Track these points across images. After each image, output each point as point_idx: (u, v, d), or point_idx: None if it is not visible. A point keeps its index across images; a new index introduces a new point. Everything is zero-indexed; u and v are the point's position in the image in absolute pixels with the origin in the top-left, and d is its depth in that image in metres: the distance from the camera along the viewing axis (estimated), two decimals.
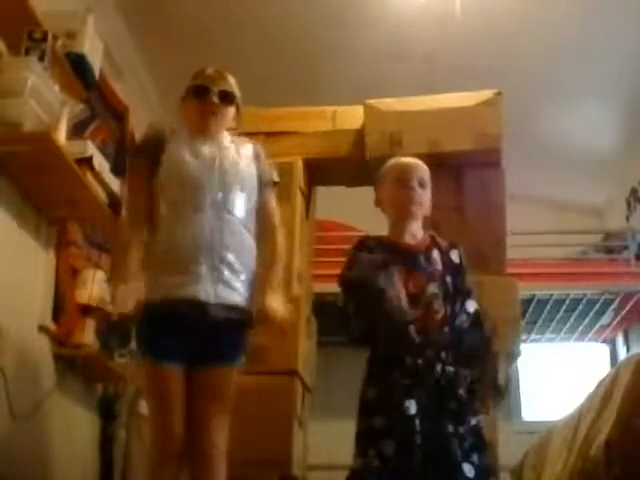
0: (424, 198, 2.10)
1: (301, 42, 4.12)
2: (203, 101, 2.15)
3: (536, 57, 4.02)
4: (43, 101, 2.50)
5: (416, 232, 2.09)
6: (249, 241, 2.10)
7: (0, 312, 2.53)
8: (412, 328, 1.89)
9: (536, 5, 3.77)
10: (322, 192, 3.65)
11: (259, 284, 2.07)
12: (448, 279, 1.99)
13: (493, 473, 1.96)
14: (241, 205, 2.10)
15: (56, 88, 2.60)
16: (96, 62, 2.98)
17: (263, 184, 2.20)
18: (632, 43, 3.96)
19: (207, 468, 1.95)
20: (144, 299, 1.95)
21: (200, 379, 1.99)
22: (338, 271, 2.07)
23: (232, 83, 2.21)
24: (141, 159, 2.15)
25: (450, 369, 1.89)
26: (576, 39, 3.93)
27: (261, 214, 2.17)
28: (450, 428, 1.82)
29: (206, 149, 2.13)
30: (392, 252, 2.01)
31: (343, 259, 2.11)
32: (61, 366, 3.05)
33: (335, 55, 4.15)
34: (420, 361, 1.88)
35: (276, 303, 2.02)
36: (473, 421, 1.89)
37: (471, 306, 2.00)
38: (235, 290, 2.02)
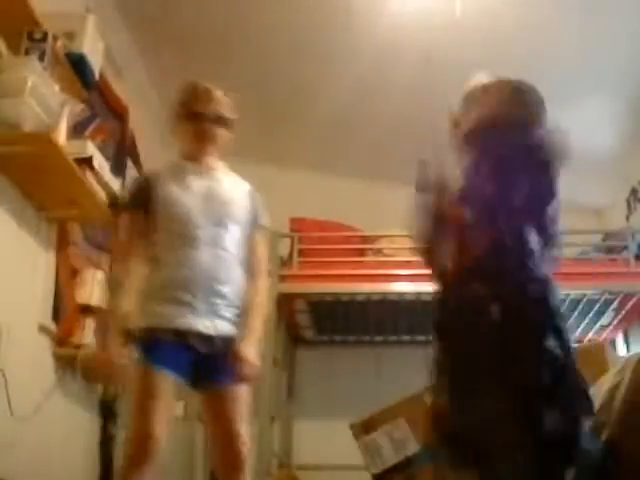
0: None
1: (300, 42, 4.12)
2: (197, 126, 2.20)
3: (536, 57, 4.02)
4: (43, 101, 2.50)
5: None
6: (240, 274, 2.18)
7: (0, 312, 2.53)
8: None
9: (536, 5, 3.77)
10: (322, 192, 3.65)
11: (240, 327, 2.15)
12: None
13: None
14: (233, 240, 2.17)
15: (56, 88, 2.60)
16: (96, 62, 2.98)
17: (255, 226, 2.25)
18: (632, 43, 3.95)
19: (237, 450, 2.07)
20: (145, 325, 2.06)
21: (218, 397, 2.11)
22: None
23: (224, 103, 2.23)
24: (130, 213, 2.22)
25: None
26: (576, 39, 3.93)
27: (250, 257, 2.23)
28: None
29: (198, 181, 2.20)
30: None
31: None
32: (61, 366, 3.05)
33: (334, 55, 4.15)
34: None
35: (251, 354, 2.10)
36: None
37: None
38: (229, 322, 2.12)
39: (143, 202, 2.16)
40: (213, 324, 2.08)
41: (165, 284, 2.10)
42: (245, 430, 2.10)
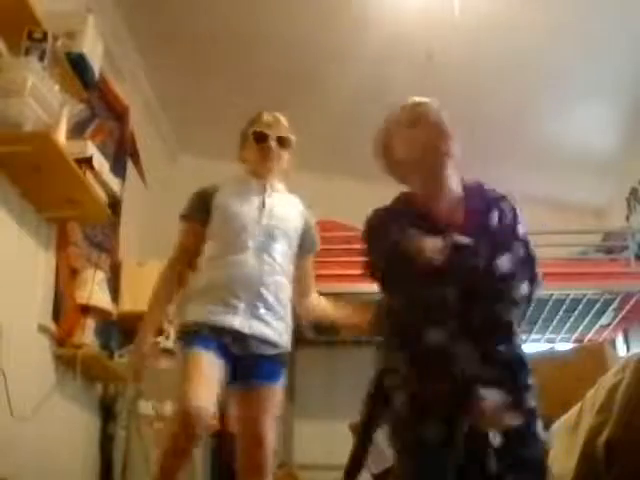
0: None
1: (301, 43, 4.12)
2: (263, 145, 2.36)
3: (536, 57, 4.02)
4: (43, 101, 2.50)
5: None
6: (285, 284, 2.29)
7: (0, 312, 2.53)
8: None
9: (536, 5, 3.77)
10: (322, 192, 3.65)
11: (328, 315, 2.53)
12: None
13: None
14: (281, 252, 2.29)
15: (56, 88, 2.60)
16: (96, 62, 2.98)
17: (308, 249, 2.46)
18: (632, 43, 3.95)
19: (261, 452, 2.15)
20: (190, 320, 2.16)
21: (249, 398, 2.18)
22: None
23: (286, 127, 2.41)
24: (190, 223, 2.34)
25: None
26: (576, 39, 3.93)
27: (304, 275, 2.45)
28: None
29: (257, 196, 2.33)
30: None
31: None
32: (61, 366, 3.05)
33: (335, 55, 4.15)
34: None
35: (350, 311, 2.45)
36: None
37: None
38: (267, 325, 2.20)
39: (202, 214, 2.30)
40: (249, 324, 2.16)
41: (210, 285, 2.20)
42: (272, 434, 2.17)
